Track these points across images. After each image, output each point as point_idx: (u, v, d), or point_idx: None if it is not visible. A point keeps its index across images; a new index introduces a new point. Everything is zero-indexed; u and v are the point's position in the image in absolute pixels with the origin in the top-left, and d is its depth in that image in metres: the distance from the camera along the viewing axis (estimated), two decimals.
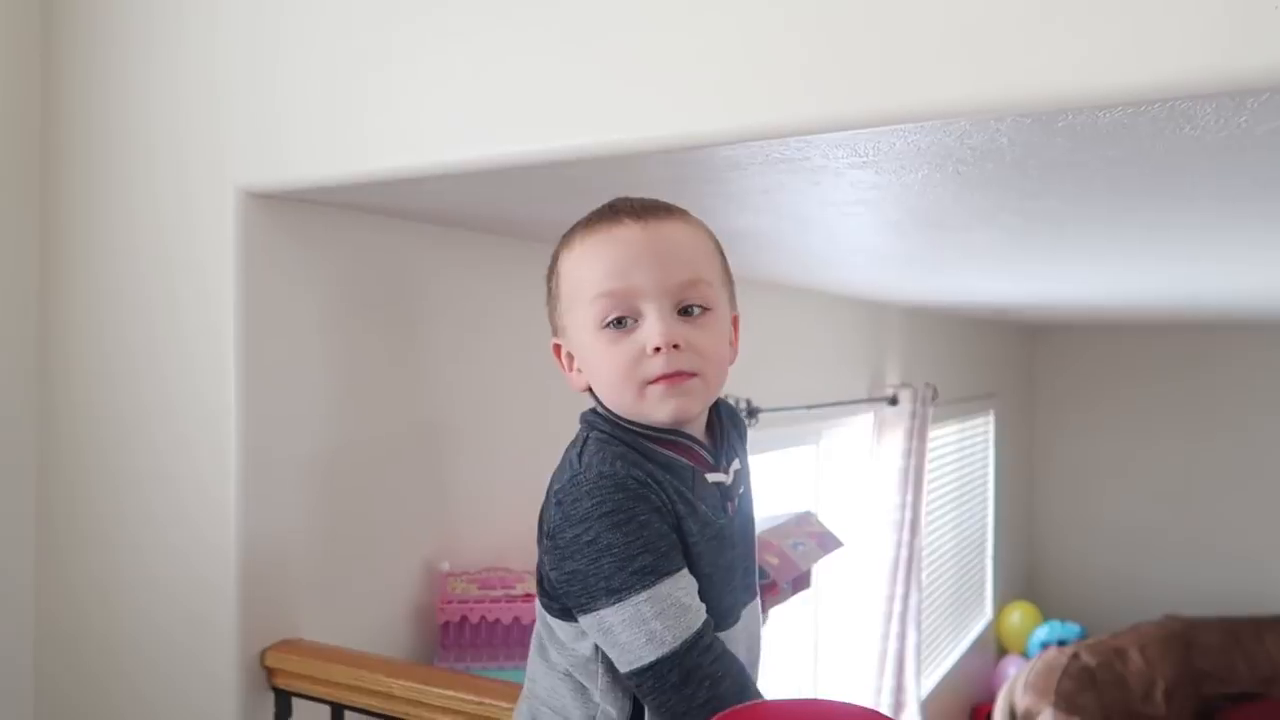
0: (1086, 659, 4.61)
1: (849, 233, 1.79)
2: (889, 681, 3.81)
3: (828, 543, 2.31)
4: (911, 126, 0.98)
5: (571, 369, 1.00)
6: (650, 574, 0.86)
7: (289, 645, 1.40)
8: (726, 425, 1.04)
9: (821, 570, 2.73)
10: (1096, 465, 6.07)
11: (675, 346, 0.92)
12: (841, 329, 3.45)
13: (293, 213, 1.40)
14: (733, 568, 0.98)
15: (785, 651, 3.30)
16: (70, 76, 1.50)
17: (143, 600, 1.46)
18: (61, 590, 1.54)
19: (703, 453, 0.97)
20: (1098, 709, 4.46)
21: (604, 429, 0.95)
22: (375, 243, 1.55)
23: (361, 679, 1.32)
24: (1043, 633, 5.46)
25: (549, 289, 1.01)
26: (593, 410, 0.98)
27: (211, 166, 1.35)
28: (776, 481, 3.21)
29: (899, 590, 3.78)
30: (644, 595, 0.86)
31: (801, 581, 2.18)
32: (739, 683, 0.89)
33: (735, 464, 1.01)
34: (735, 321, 1.03)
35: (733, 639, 0.96)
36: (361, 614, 1.54)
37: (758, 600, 1.05)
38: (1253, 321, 4.88)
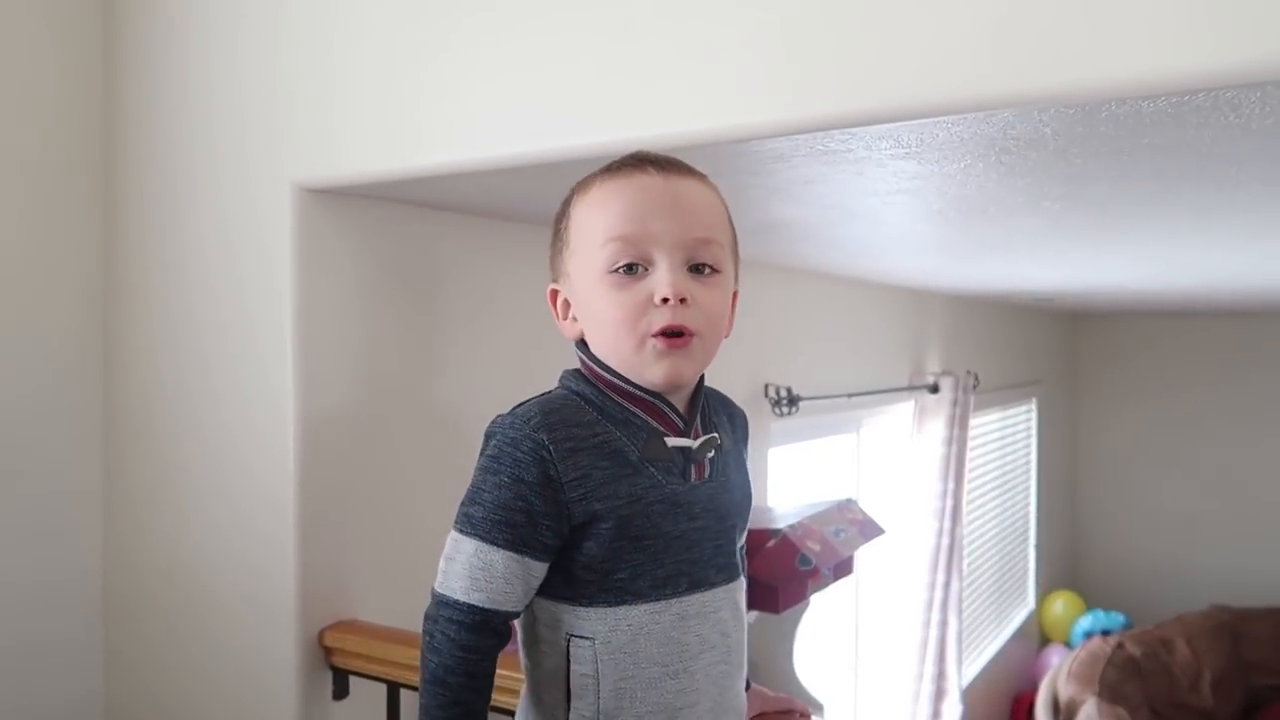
0: (1131, 649, 4.57)
1: (890, 222, 1.80)
2: (930, 669, 3.81)
3: (869, 530, 2.32)
4: (954, 118, 0.99)
5: (566, 317, 0.98)
6: (470, 525, 0.91)
7: (346, 625, 1.45)
8: (714, 405, 1.02)
9: (863, 557, 2.74)
10: (1141, 453, 6.00)
11: (683, 301, 0.89)
12: (882, 317, 3.45)
13: (340, 205, 1.45)
14: (691, 539, 0.93)
15: (828, 638, 3.31)
16: (133, 77, 1.55)
17: (206, 581, 1.52)
18: (129, 568, 1.60)
19: (672, 416, 0.94)
20: (1142, 699, 4.42)
21: (571, 384, 0.95)
22: (411, 231, 1.58)
23: (417, 659, 1.35)
24: (1086, 622, 5.41)
25: (556, 232, 0.98)
26: (573, 370, 0.97)
27: (271, 163, 1.40)
28: (817, 469, 3.22)
29: (940, 578, 3.77)
30: (461, 536, 0.92)
31: (843, 568, 2.20)
32: (447, 686, 0.93)
33: (713, 435, 0.97)
34: (734, 297, 1.00)
35: (686, 614, 0.93)
36: (418, 596, 1.57)
37: (736, 588, 0.99)
38: None
